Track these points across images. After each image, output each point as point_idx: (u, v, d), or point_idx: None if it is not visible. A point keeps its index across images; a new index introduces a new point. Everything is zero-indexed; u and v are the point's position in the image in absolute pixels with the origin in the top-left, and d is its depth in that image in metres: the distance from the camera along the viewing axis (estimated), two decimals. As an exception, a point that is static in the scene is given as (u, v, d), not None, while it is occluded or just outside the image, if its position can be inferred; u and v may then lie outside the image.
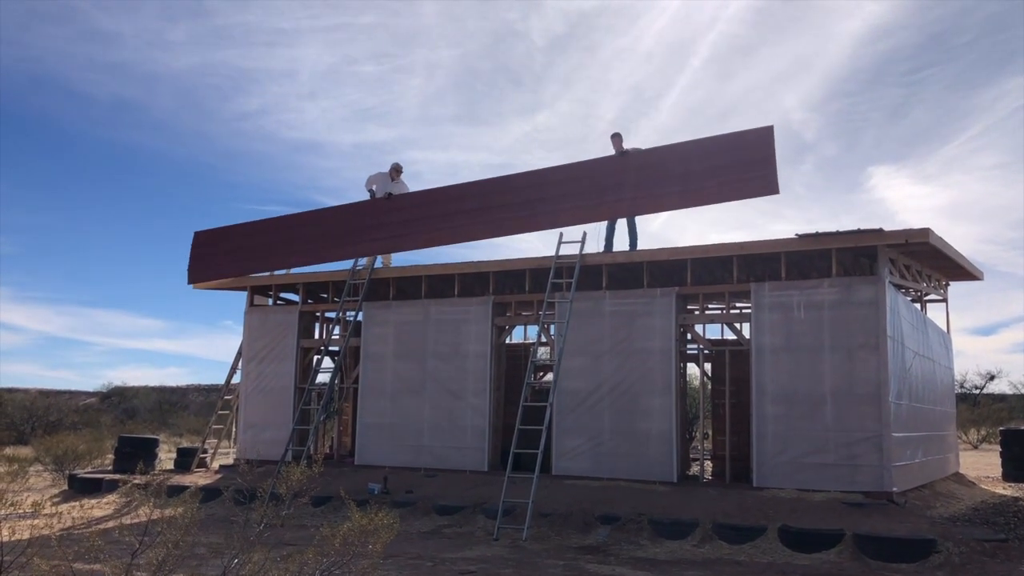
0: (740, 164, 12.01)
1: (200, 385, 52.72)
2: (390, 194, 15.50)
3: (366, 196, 15.87)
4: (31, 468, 18.73)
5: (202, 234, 17.18)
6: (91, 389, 52.66)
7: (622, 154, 13.76)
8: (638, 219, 14.28)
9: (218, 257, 16.74)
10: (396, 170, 15.99)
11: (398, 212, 15.12)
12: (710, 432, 17.71)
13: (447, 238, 14.96)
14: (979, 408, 35.08)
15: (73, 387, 54.37)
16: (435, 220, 14.78)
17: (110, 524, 12.55)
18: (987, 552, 9.52)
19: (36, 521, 12.36)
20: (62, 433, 24.61)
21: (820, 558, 9.79)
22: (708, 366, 15.71)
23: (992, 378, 45.98)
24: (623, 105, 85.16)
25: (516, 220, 13.99)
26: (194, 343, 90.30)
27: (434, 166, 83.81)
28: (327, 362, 15.94)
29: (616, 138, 14.05)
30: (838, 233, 12.03)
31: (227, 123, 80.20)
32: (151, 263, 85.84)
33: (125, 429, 29.19)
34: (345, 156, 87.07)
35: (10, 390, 44.95)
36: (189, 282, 16.98)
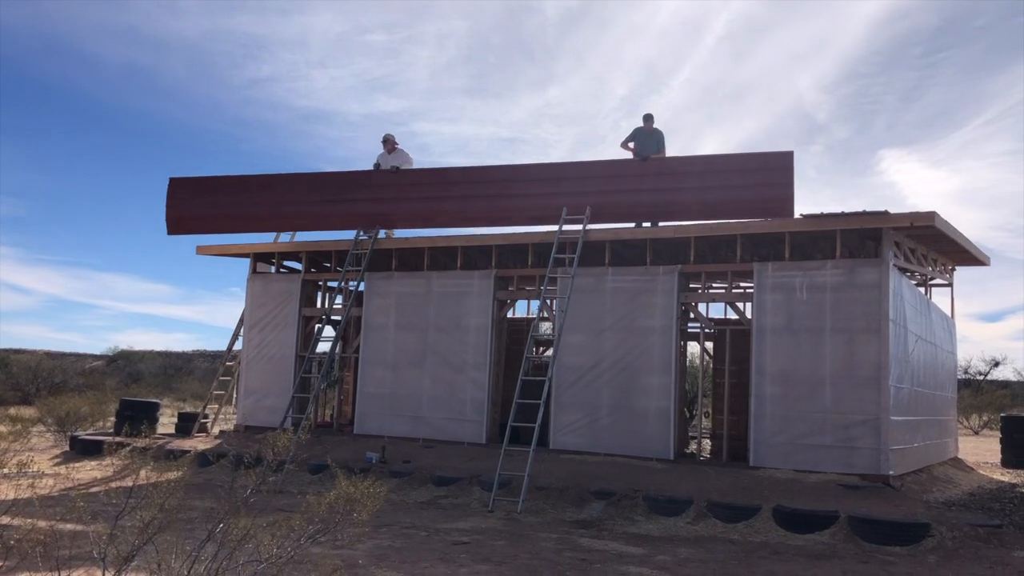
0: (759, 185, 12.62)
1: (206, 351, 53.02)
2: (397, 168, 15.44)
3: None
4: (34, 429, 18.86)
5: (179, 182, 16.70)
6: (98, 352, 53.00)
7: (643, 159, 13.80)
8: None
9: (199, 210, 16.44)
10: (387, 141, 15.84)
11: (406, 187, 15.11)
12: (709, 411, 17.73)
13: (447, 220, 15.00)
14: (982, 394, 34.99)
15: (80, 350, 54.77)
16: (441, 200, 14.84)
17: (113, 485, 12.64)
18: (981, 537, 9.51)
19: (37, 481, 12.48)
20: (66, 395, 24.80)
21: (814, 539, 9.80)
22: (709, 345, 15.69)
23: (996, 364, 45.92)
24: (635, 82, 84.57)
25: (530, 212, 14.08)
26: (201, 309, 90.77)
27: (443, 138, 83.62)
28: (328, 331, 15.97)
29: (648, 118, 14.05)
30: (843, 214, 11.95)
31: (238, 90, 79.98)
32: (160, 228, 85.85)
33: (129, 393, 29.34)
34: (354, 126, 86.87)
35: (17, 351, 45.25)
36: (169, 233, 16.65)
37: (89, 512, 4.44)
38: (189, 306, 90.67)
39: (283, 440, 4.37)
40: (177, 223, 16.60)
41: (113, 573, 3.98)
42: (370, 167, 15.86)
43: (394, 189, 15.11)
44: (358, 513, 4.19)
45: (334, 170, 17.19)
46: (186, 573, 4.06)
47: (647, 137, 14.06)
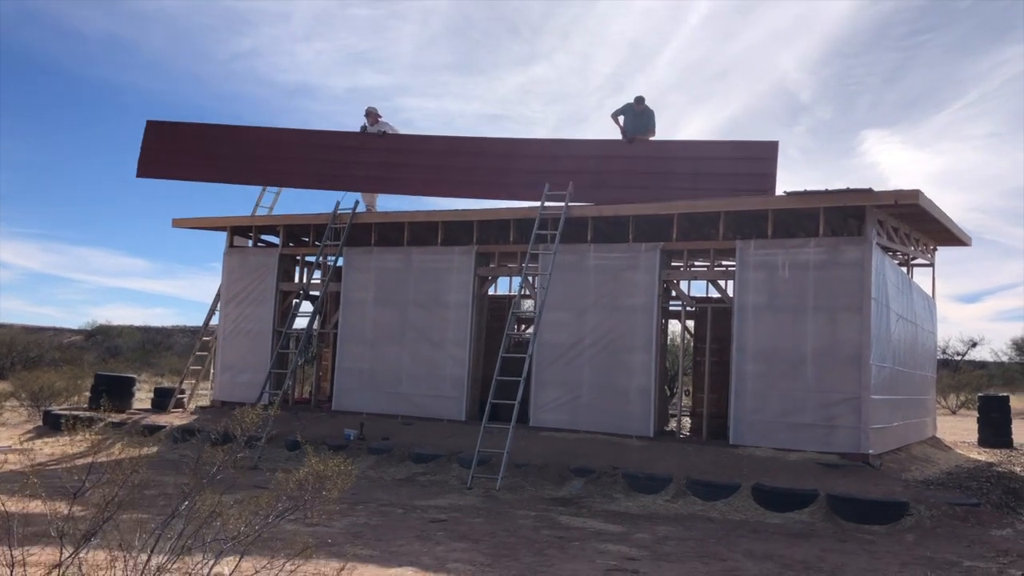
0: (744, 175, 12.84)
1: (186, 326, 52.60)
2: (384, 132, 15.28)
3: None
4: (7, 403, 18.60)
5: (156, 125, 16.57)
6: (76, 327, 52.50)
7: (629, 141, 13.73)
8: None
9: (173, 155, 16.31)
10: (369, 114, 15.64)
11: (388, 152, 14.96)
12: (690, 389, 17.70)
13: (434, 190, 14.87)
14: (960, 374, 35.30)
15: (58, 324, 54.24)
16: (429, 170, 14.74)
17: (79, 462, 12.45)
18: (958, 516, 9.52)
19: (7, 456, 12.27)
20: (41, 369, 24.47)
21: (793, 517, 9.79)
22: (690, 323, 15.62)
23: (974, 345, 46.41)
24: (620, 60, 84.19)
25: (518, 188, 13.98)
26: (181, 284, 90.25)
27: (427, 114, 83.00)
28: (306, 306, 15.78)
29: (639, 100, 13.89)
30: (827, 192, 11.85)
31: (220, 64, 79.02)
32: (139, 203, 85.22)
33: (107, 367, 29.04)
34: (338, 100, 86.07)
35: (-6, 325, 44.66)
36: (138, 175, 16.60)
37: (50, 488, 4.29)
38: (168, 280, 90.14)
39: (251, 416, 4.22)
40: (148, 165, 16.46)
41: (71, 551, 3.83)
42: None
43: (376, 153, 15.01)
44: (328, 491, 4.05)
45: (314, 128, 16.99)
46: (148, 551, 3.91)
47: (637, 116, 13.91)
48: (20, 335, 39.60)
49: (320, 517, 4.34)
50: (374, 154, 15.11)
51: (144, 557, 3.94)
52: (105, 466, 4.41)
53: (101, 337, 48.82)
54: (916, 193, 11.45)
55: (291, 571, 4.62)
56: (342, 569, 4.97)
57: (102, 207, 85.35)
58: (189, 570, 4.30)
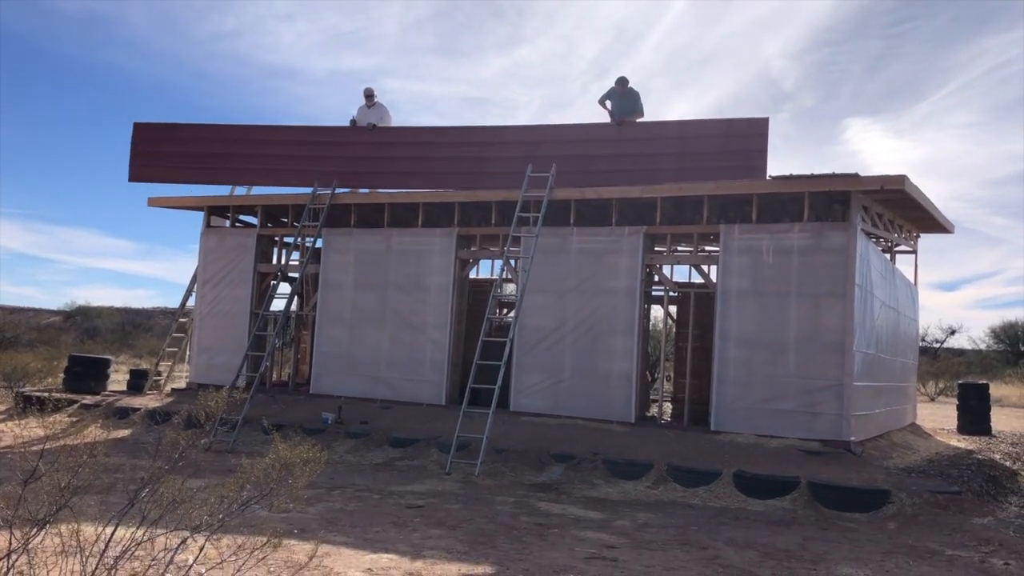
0: (734, 152, 12.62)
1: (167, 308, 52.10)
2: (374, 125, 15.13)
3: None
4: (-21, 384, 18.28)
5: (144, 128, 16.51)
6: (56, 308, 51.95)
7: (618, 123, 13.57)
8: None
9: (163, 157, 16.23)
10: (367, 95, 15.55)
11: (383, 147, 14.88)
12: (672, 374, 17.62)
13: (417, 182, 14.71)
14: (938, 361, 35.51)
15: (38, 305, 53.64)
16: (411, 162, 14.62)
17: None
18: (940, 504, 9.47)
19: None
20: (16, 351, 24.09)
21: (774, 504, 9.71)
22: (673, 309, 15.51)
23: (953, 333, 46.77)
24: (604, 44, 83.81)
25: (504, 176, 13.81)
26: (162, 265, 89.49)
27: (411, 96, 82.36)
28: (284, 288, 15.52)
29: (621, 81, 13.70)
30: (812, 176, 11.73)
31: (201, 44, 78.01)
32: (120, 183, 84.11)
33: (84, 349, 28.70)
34: (320, 83, 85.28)
35: (-28, 306, 44.05)
36: (130, 180, 16.47)
37: (13, 471, 4.10)
38: (151, 262, 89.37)
39: (215, 400, 4.03)
40: (139, 170, 16.36)
41: (22, 539, 3.64)
42: (342, 123, 15.75)
43: (368, 148, 14.97)
44: (294, 479, 3.88)
45: (306, 124, 16.88)
46: (104, 539, 3.73)
47: (621, 98, 13.72)
48: (-1, 315, 39.08)
49: (287, 504, 4.15)
50: (359, 148, 15.07)
51: (101, 546, 3.76)
52: (62, 450, 4.22)
53: (81, 318, 48.33)
54: (902, 178, 11.35)
55: (260, 559, 4.45)
56: (313, 555, 4.79)
57: (83, 187, 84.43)
58: (152, 557, 4.12)
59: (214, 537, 4.48)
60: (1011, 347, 44.59)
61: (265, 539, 4.25)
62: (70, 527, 3.93)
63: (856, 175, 11.42)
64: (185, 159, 16.01)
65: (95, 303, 51.27)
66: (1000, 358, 43.22)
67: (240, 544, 4.33)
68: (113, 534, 3.90)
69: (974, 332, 69.88)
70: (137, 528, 4.02)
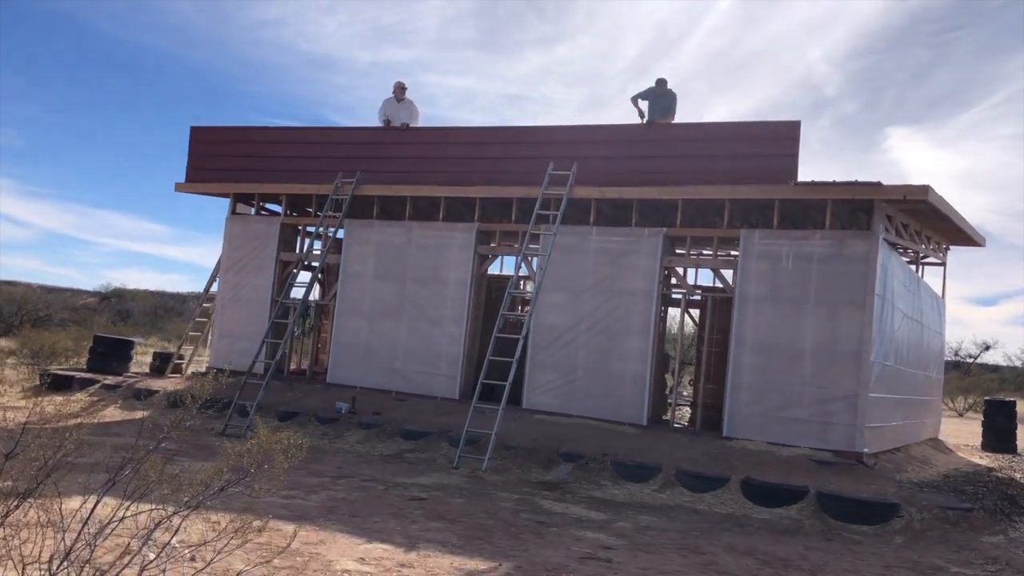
0: (764, 155, 12.32)
1: (200, 293, 52.65)
2: (406, 125, 15.25)
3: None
4: (8, 360, 18.67)
5: (200, 131, 17.06)
6: (92, 288, 52.83)
7: (648, 124, 13.55)
8: None
9: (218, 159, 16.63)
10: (400, 88, 15.72)
11: (418, 147, 15.09)
12: (694, 379, 17.49)
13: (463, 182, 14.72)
14: (970, 377, 34.90)
15: (76, 285, 54.58)
16: (458, 162, 14.67)
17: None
18: (950, 520, 9.31)
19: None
20: (48, 329, 24.54)
21: (780, 513, 9.61)
22: (694, 313, 15.40)
23: (987, 348, 45.92)
24: (645, 43, 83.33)
25: (525, 175, 13.79)
26: (197, 251, 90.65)
27: (449, 90, 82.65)
28: (304, 276, 15.65)
29: (661, 83, 13.63)
30: (834, 184, 11.57)
31: (245, 31, 78.78)
32: (158, 167, 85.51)
33: (116, 331, 29.11)
34: (361, 74, 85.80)
35: (11, 283, 44.90)
36: (187, 180, 16.90)
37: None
38: (186, 247, 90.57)
39: (206, 385, 4.09)
40: (196, 171, 16.81)
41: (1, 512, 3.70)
42: (375, 115, 15.95)
43: (403, 148, 15.26)
44: (272, 464, 3.91)
45: (353, 125, 17.10)
46: (82, 520, 3.78)
47: (658, 99, 13.65)
48: (34, 293, 39.80)
49: (267, 488, 4.19)
50: (401, 148, 15.24)
51: (79, 523, 3.81)
52: (60, 429, 4.30)
53: (115, 300, 49.08)
54: (926, 189, 11.16)
55: (244, 542, 4.49)
56: (292, 539, 4.83)
57: (123, 170, 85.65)
58: (133, 534, 4.17)
59: (209, 517, 4.55)
60: (1047, 365, 43.71)
61: (258, 523, 4.29)
62: (54, 502, 3.99)
63: (879, 184, 11.25)
64: (238, 161, 16.40)
65: (131, 286, 52.04)
66: (1034, 375, 42.38)
67: (223, 527, 4.37)
68: (93, 510, 3.95)
69: (1010, 348, 68.61)
70: (120, 506, 4.07)
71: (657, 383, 13.55)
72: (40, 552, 3.89)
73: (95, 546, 3.92)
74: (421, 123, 15.96)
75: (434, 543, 6.96)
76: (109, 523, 3.98)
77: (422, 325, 14.40)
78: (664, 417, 14.23)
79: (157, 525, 3.90)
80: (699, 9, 75.31)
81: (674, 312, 17.03)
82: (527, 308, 16.91)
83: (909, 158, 78.01)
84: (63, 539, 3.90)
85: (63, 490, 4.17)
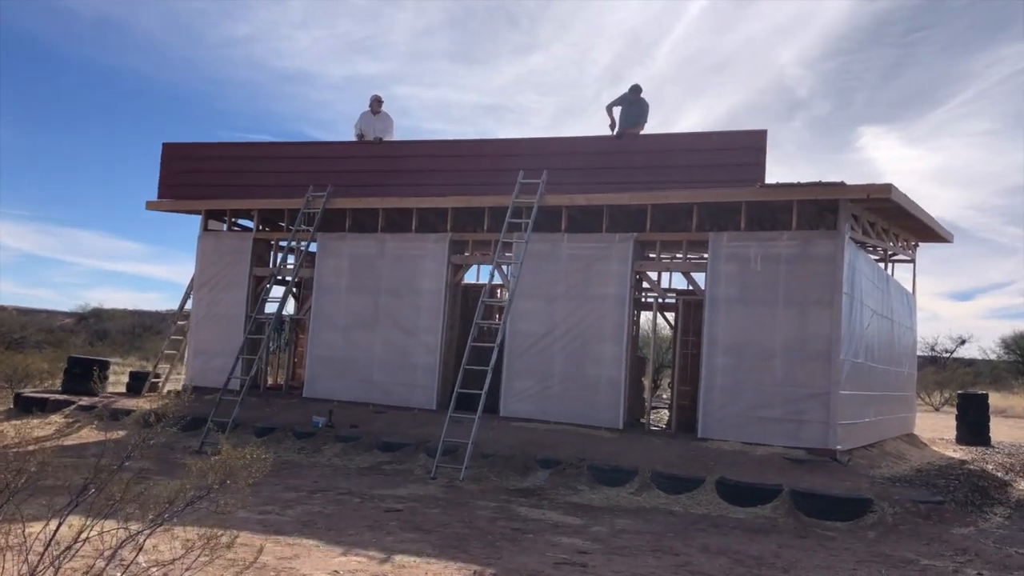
0: (731, 165, 12.51)
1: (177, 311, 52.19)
2: (380, 138, 15.40)
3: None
4: (-19, 384, 18.48)
5: (172, 147, 17.03)
6: (68, 309, 52.33)
7: (618, 136, 13.63)
8: None
9: (190, 175, 16.64)
10: (377, 101, 15.86)
11: (382, 160, 15.21)
12: (673, 382, 17.58)
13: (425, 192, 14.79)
14: (946, 371, 35.25)
15: (52, 307, 54.02)
16: (421, 175, 14.73)
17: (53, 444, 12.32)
18: (921, 514, 9.44)
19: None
20: (23, 352, 24.31)
21: (755, 512, 9.69)
22: (669, 316, 15.51)
23: (963, 343, 46.39)
24: (618, 51, 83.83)
25: (494, 186, 13.86)
26: (175, 269, 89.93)
27: (423, 103, 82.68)
28: (278, 291, 15.63)
29: (635, 89, 13.73)
30: (799, 185, 11.72)
31: (215, 48, 78.47)
32: (133, 186, 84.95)
33: (93, 351, 28.88)
34: (335, 88, 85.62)
35: (-16, 306, 44.36)
36: (159, 197, 16.89)
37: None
38: (163, 265, 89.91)
39: (168, 404, 4.12)
40: (168, 188, 16.82)
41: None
42: (351, 129, 16.10)
43: (375, 162, 15.35)
44: (234, 480, 3.93)
45: (324, 140, 17.23)
46: (42, 541, 3.79)
47: (631, 106, 13.76)
48: (8, 316, 39.37)
49: (231, 503, 4.21)
50: (366, 162, 15.38)
51: (40, 549, 3.82)
52: (33, 452, 4.30)
53: (93, 320, 48.64)
54: (888, 187, 11.32)
55: (215, 557, 4.50)
56: (259, 553, 4.84)
57: (95, 190, 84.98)
58: (98, 551, 4.18)
59: (178, 535, 4.56)
60: (1021, 357, 44.24)
61: (225, 538, 4.31)
62: (14, 526, 3.99)
63: (842, 183, 11.41)
64: (210, 177, 16.42)
65: (109, 305, 51.58)
66: (1010, 368, 42.90)
67: (192, 544, 4.39)
68: (57, 530, 3.95)
69: (985, 342, 69.31)
70: (84, 526, 4.08)
71: (632, 387, 13.63)
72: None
73: (60, 567, 3.93)
74: (396, 136, 16.03)
75: (409, 553, 6.98)
76: (75, 543, 3.99)
77: (398, 336, 14.42)
78: (641, 420, 14.31)
79: (122, 543, 3.91)
80: (670, 16, 75.92)
81: (648, 316, 17.14)
82: (499, 316, 17.01)
83: (882, 157, 78.88)
84: (26, 560, 3.90)
85: (28, 514, 4.17)
